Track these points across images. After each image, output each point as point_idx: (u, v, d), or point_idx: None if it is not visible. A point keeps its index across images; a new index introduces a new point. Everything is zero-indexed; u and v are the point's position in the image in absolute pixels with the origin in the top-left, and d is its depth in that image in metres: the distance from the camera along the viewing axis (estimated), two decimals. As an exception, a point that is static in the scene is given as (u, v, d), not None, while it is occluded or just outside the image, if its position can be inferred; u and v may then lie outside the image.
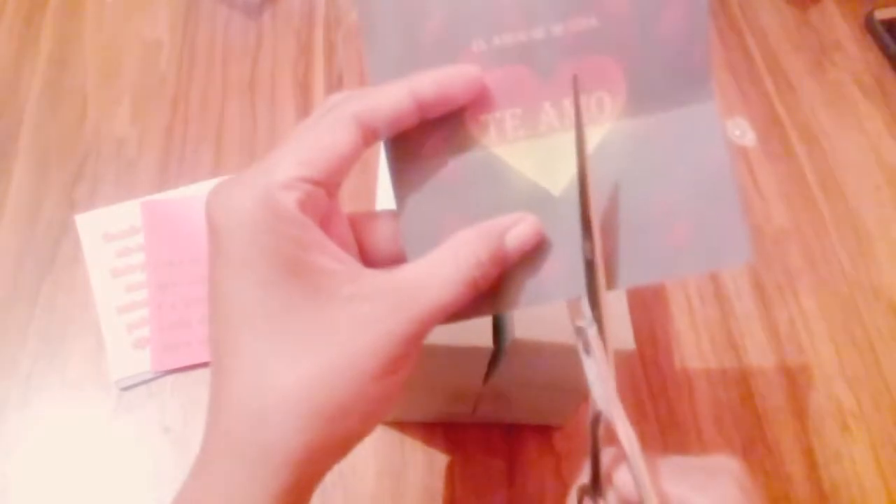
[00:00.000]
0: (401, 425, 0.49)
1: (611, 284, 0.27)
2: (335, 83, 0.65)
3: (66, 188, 0.57)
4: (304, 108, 0.63)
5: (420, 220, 0.27)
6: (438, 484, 0.48)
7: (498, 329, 0.37)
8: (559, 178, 0.27)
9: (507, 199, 0.27)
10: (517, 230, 0.26)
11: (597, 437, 0.28)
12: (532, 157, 0.27)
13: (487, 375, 0.40)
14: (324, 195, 0.25)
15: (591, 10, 0.26)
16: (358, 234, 0.28)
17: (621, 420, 0.26)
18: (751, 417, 0.52)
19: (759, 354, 0.55)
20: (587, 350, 0.27)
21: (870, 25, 0.73)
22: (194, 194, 0.57)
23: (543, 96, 0.26)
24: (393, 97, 0.25)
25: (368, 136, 0.25)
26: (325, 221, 0.26)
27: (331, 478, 0.47)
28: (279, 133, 0.62)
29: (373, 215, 0.29)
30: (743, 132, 0.66)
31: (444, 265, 0.25)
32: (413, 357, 0.26)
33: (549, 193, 0.27)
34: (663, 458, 0.29)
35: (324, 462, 0.25)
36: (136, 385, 0.50)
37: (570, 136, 0.26)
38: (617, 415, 0.26)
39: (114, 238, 0.55)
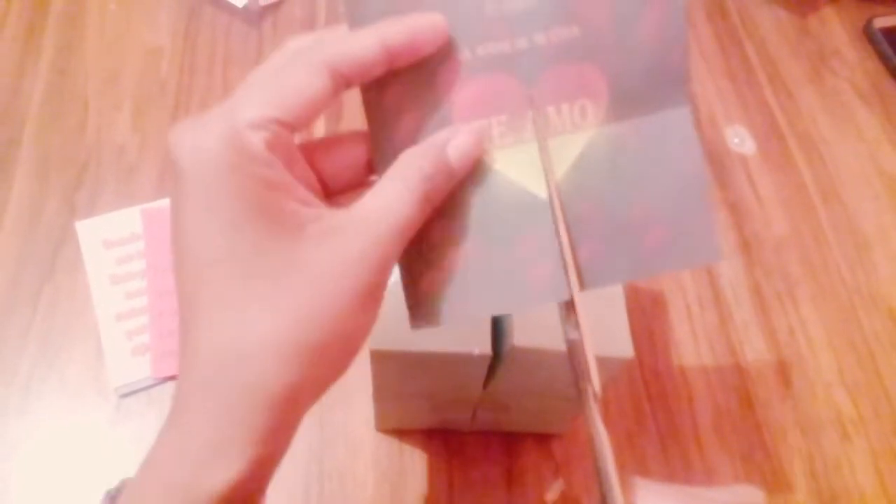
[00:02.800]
0: (400, 433, 0.49)
1: (591, 284, 0.27)
2: (335, 90, 0.65)
3: (67, 194, 0.57)
4: (305, 115, 0.63)
5: None
6: (437, 491, 0.48)
7: (497, 336, 0.37)
8: (543, 182, 0.27)
9: (493, 202, 0.27)
10: (458, 140, 0.27)
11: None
12: (518, 162, 0.27)
13: (486, 383, 0.40)
14: (290, 137, 0.25)
15: (573, 20, 0.26)
16: (313, 163, 0.28)
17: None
18: (750, 424, 0.52)
19: (758, 361, 0.55)
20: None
21: (869, 33, 0.73)
22: (194, 201, 0.57)
23: (528, 104, 0.27)
24: (363, 44, 0.25)
25: (339, 83, 0.25)
26: (289, 162, 0.25)
27: (330, 484, 0.47)
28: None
29: (326, 143, 0.29)
30: (742, 140, 0.66)
31: (393, 186, 0.25)
32: (383, 288, 0.25)
33: (536, 197, 0.27)
34: (679, 489, 0.29)
35: (304, 402, 0.24)
36: (135, 392, 0.50)
37: (555, 142, 0.27)
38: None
39: (114, 245, 0.55)
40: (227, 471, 0.23)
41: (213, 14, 0.68)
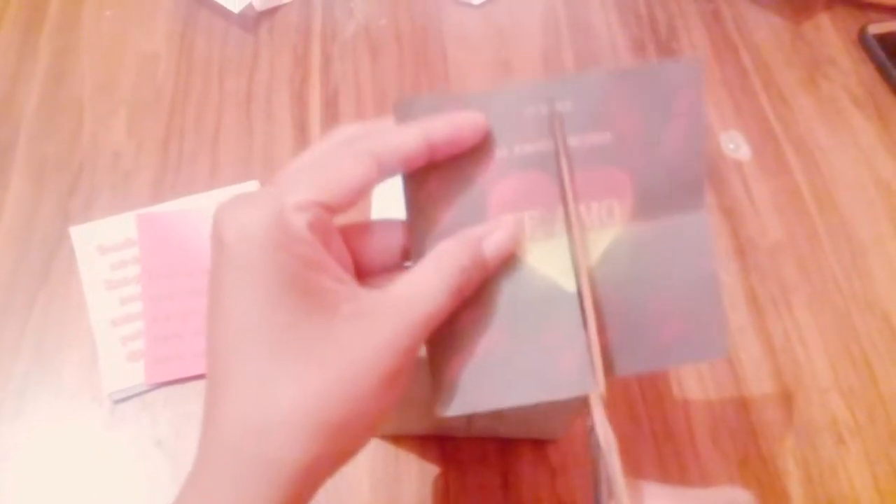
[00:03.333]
0: (395, 439, 0.49)
1: (609, 372, 0.29)
2: (331, 96, 0.65)
3: (62, 200, 0.57)
4: (301, 120, 0.63)
5: None
6: (433, 497, 0.48)
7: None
8: (573, 276, 0.29)
9: (522, 294, 0.29)
10: (495, 236, 0.28)
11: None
12: (548, 256, 0.29)
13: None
14: (330, 219, 0.26)
15: (606, 128, 0.29)
16: (351, 245, 0.29)
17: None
18: (746, 430, 0.52)
19: (753, 367, 0.55)
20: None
21: (863, 40, 0.74)
22: (190, 207, 0.57)
23: (559, 201, 0.29)
24: (407, 137, 0.27)
25: (382, 172, 0.27)
26: (327, 242, 0.27)
27: (324, 492, 0.47)
28: (275, 145, 0.62)
29: (364, 227, 0.30)
30: (737, 146, 0.66)
31: (428, 276, 0.27)
32: (409, 371, 0.27)
33: (564, 290, 0.29)
34: (664, 487, 0.29)
35: (322, 474, 0.25)
36: (129, 397, 0.49)
37: (583, 239, 0.30)
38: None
39: (109, 250, 0.55)
40: None
41: (209, 19, 0.68)
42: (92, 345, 0.51)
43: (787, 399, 0.54)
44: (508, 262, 0.29)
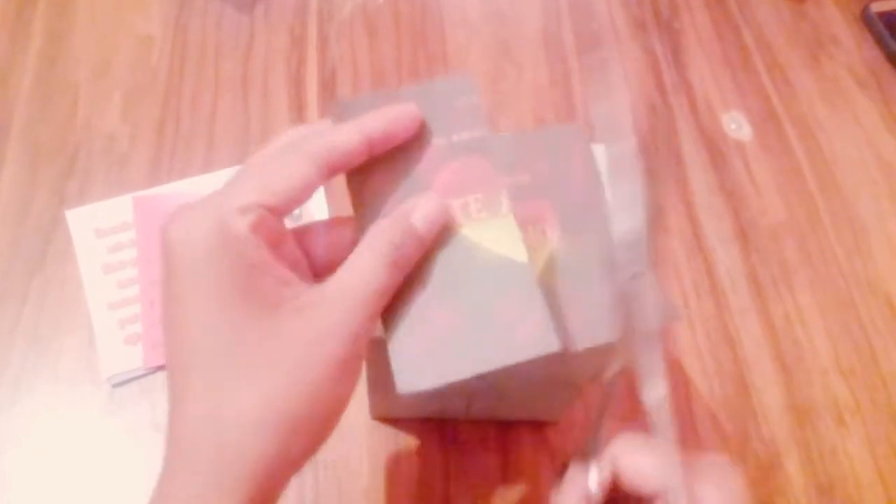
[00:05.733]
0: (395, 422, 0.49)
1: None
2: (328, 77, 0.64)
3: (57, 183, 0.57)
4: (298, 102, 0.63)
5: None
6: (433, 480, 0.48)
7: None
8: (522, 248, 0.30)
9: (474, 269, 0.30)
10: (422, 208, 0.29)
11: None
12: (497, 233, 0.30)
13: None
14: (276, 221, 0.27)
15: (525, 172, 0.35)
16: (305, 246, 0.30)
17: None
18: (746, 412, 0.52)
19: (754, 349, 0.54)
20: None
21: (866, 18, 0.73)
22: (186, 189, 0.56)
23: (500, 185, 0.31)
24: (346, 136, 0.28)
25: (324, 171, 0.28)
26: (275, 244, 0.27)
27: (325, 474, 0.47)
28: (272, 127, 0.61)
29: (317, 227, 0.31)
30: (739, 126, 0.66)
31: (363, 258, 0.27)
32: (360, 357, 0.27)
33: (515, 261, 0.30)
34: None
35: (284, 472, 0.25)
36: (127, 381, 0.49)
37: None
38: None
39: (105, 233, 0.54)
40: None
41: (204, 1, 0.68)
42: (89, 329, 0.51)
43: (787, 380, 0.53)
44: (458, 242, 0.30)
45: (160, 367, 0.50)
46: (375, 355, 0.39)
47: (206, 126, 0.61)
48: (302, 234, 0.31)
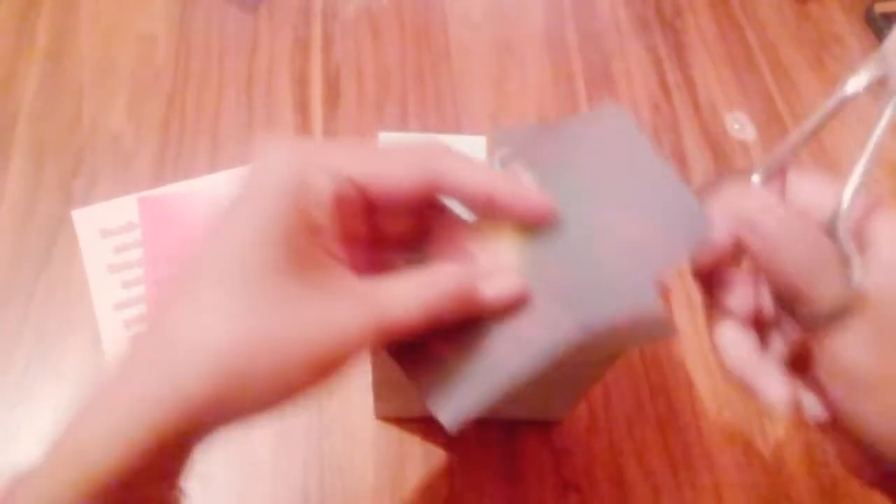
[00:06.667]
0: (399, 422, 0.49)
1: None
2: (333, 76, 0.64)
3: (63, 183, 0.57)
4: (302, 102, 0.63)
5: None
6: (437, 479, 0.48)
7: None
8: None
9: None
10: (497, 281, 0.28)
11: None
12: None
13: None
14: (359, 206, 0.26)
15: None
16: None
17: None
18: (751, 411, 0.52)
19: (758, 349, 0.54)
20: None
21: (870, 19, 0.73)
22: (191, 189, 0.57)
23: None
24: (471, 171, 0.27)
25: (435, 188, 0.27)
26: (345, 221, 0.26)
27: (330, 473, 0.47)
28: (276, 127, 0.61)
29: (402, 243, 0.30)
30: (742, 126, 0.66)
31: (417, 286, 0.26)
32: (349, 362, 0.26)
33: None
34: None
35: (209, 423, 0.24)
36: (133, 381, 0.49)
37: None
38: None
39: (111, 234, 0.54)
40: (105, 456, 0.22)
41: (208, 1, 0.68)
42: (94, 329, 0.51)
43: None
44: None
45: (165, 367, 0.50)
46: (381, 356, 0.39)
47: (211, 125, 0.61)
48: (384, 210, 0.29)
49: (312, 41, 0.67)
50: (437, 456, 0.48)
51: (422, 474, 0.48)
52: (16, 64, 0.62)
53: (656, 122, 0.65)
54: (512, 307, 0.28)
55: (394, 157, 0.27)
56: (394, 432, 0.49)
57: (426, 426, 0.49)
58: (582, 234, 0.28)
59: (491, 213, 0.28)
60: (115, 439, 0.22)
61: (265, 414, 0.24)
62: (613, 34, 0.70)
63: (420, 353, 0.28)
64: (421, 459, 0.48)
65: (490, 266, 0.29)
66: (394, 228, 0.30)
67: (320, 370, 0.24)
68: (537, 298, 0.28)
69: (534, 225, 0.28)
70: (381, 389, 0.45)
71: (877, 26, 0.72)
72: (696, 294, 0.56)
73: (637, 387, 0.52)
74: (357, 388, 0.50)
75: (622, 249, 0.28)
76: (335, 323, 0.24)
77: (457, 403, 0.27)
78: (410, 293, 0.26)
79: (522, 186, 0.28)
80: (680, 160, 0.63)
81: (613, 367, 0.50)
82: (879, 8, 0.72)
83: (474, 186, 0.27)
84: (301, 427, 0.48)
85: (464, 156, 0.28)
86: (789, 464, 0.50)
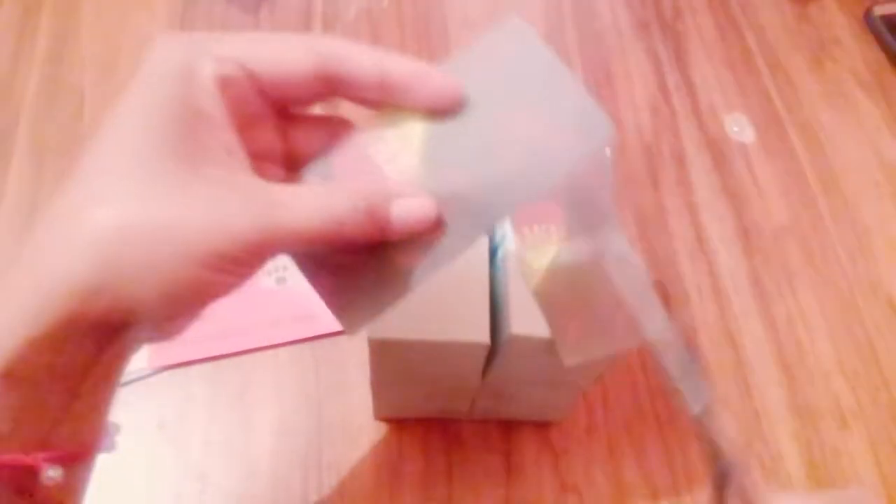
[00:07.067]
0: (398, 421, 0.49)
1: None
2: (333, 79, 0.65)
3: (63, 184, 0.57)
4: (302, 103, 0.63)
5: None
6: (436, 480, 0.48)
7: (495, 325, 0.37)
8: None
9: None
10: (407, 202, 0.26)
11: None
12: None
13: (485, 372, 0.40)
14: (251, 92, 0.26)
15: None
16: (294, 139, 0.29)
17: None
18: (749, 414, 0.52)
19: (757, 351, 0.55)
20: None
21: (869, 21, 0.73)
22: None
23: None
24: (361, 57, 0.26)
25: (322, 75, 0.26)
26: (242, 115, 0.26)
27: (328, 472, 0.47)
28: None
29: (316, 121, 0.30)
30: (742, 128, 0.66)
31: (320, 196, 0.25)
32: (246, 269, 0.24)
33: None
34: (793, 495, 0.29)
35: (98, 315, 0.23)
36: (132, 381, 0.50)
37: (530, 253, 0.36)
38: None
39: (110, 234, 0.54)
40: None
41: (209, 2, 0.68)
42: (95, 329, 0.51)
43: (789, 381, 0.54)
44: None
45: (165, 368, 0.50)
46: (381, 357, 0.39)
47: (211, 127, 0.61)
48: (298, 121, 0.29)
49: (313, 43, 0.67)
50: (435, 456, 0.48)
51: (421, 475, 0.48)
52: (17, 64, 0.62)
53: (655, 123, 0.65)
54: (419, 229, 0.27)
55: (284, 41, 0.26)
56: (393, 433, 0.49)
57: (424, 426, 0.49)
58: (483, 135, 0.28)
59: (390, 96, 0.27)
60: (1, 325, 0.22)
61: (163, 317, 0.24)
62: (613, 36, 0.70)
63: (322, 258, 0.28)
64: (419, 460, 0.48)
65: (396, 177, 0.28)
66: (307, 146, 0.29)
67: (206, 264, 0.23)
68: (440, 201, 0.27)
69: (438, 108, 0.27)
70: (381, 389, 0.45)
71: (876, 28, 0.72)
72: (693, 295, 0.56)
73: (636, 387, 0.52)
74: (356, 390, 0.50)
75: (524, 149, 0.28)
76: (221, 215, 0.23)
77: (359, 310, 0.28)
78: (313, 203, 0.25)
79: (422, 65, 0.27)
80: (679, 161, 0.63)
81: (612, 367, 0.50)
82: (879, 10, 0.73)
83: (370, 64, 0.26)
84: (300, 427, 0.48)
85: (352, 43, 0.27)
86: (786, 463, 0.50)
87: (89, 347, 0.24)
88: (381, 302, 0.28)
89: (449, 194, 0.27)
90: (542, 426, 0.50)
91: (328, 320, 0.52)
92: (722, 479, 0.28)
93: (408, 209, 0.26)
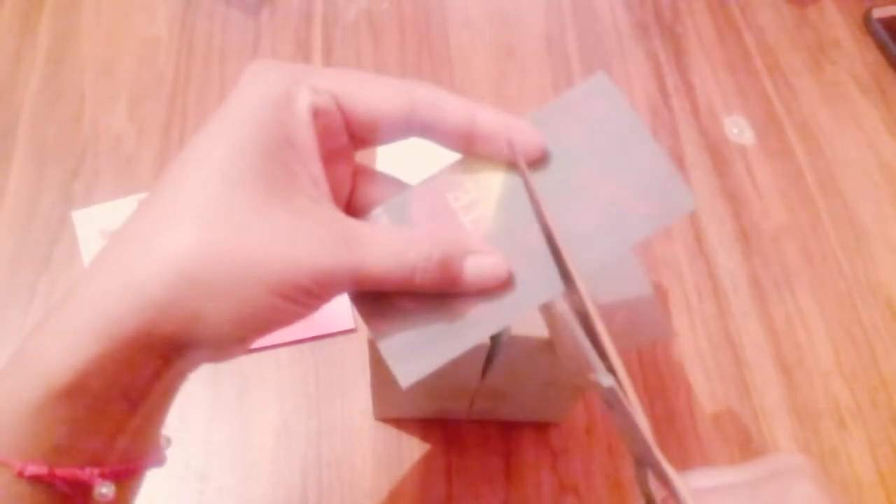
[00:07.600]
0: (397, 422, 0.49)
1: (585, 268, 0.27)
2: (333, 80, 0.65)
3: (64, 184, 0.57)
4: (302, 105, 0.63)
5: None
6: (435, 480, 0.48)
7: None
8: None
9: None
10: (481, 259, 0.26)
11: (648, 488, 0.28)
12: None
13: (484, 372, 0.40)
14: (341, 126, 0.26)
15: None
16: (356, 184, 0.29)
17: (669, 469, 0.26)
18: (748, 415, 0.52)
19: (756, 351, 0.55)
20: (610, 404, 0.27)
21: (868, 24, 0.73)
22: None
23: None
24: (456, 106, 0.26)
25: (415, 119, 0.26)
26: (329, 148, 0.26)
27: (328, 473, 0.47)
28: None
29: (373, 174, 0.29)
30: (741, 130, 0.66)
31: (397, 241, 0.25)
32: (316, 301, 0.25)
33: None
34: (724, 471, 0.29)
35: (169, 332, 0.23)
36: (132, 381, 0.50)
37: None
38: (663, 464, 0.26)
39: (111, 235, 0.54)
40: (60, 354, 0.22)
41: (209, 3, 0.68)
42: (95, 329, 0.51)
43: (788, 382, 0.54)
44: None
45: (165, 367, 0.50)
46: (379, 357, 0.39)
47: (212, 128, 0.61)
48: (359, 170, 0.29)
49: (313, 45, 0.67)
50: (435, 457, 0.49)
51: (420, 475, 0.48)
52: (17, 65, 0.62)
53: (655, 125, 0.65)
54: (489, 287, 0.26)
55: (378, 80, 0.26)
56: (392, 433, 0.49)
57: (424, 427, 0.49)
58: (562, 192, 0.28)
59: (476, 144, 0.27)
60: (71, 338, 0.22)
61: (231, 340, 0.23)
62: (613, 38, 0.71)
63: (381, 298, 0.27)
64: (419, 460, 0.48)
65: (471, 227, 0.27)
66: (369, 193, 0.29)
67: (282, 293, 0.23)
68: (512, 255, 0.27)
69: (522, 155, 0.27)
70: (381, 390, 0.45)
71: (875, 31, 0.72)
72: (693, 296, 0.56)
73: (635, 388, 0.52)
74: (356, 390, 0.50)
75: (603, 211, 0.27)
76: (303, 247, 0.23)
77: (416, 359, 0.27)
78: (390, 247, 0.25)
79: (511, 117, 0.27)
80: (679, 163, 0.63)
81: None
82: (877, 13, 0.73)
83: (462, 113, 0.26)
84: (300, 427, 0.49)
85: (446, 93, 0.27)
86: (786, 465, 0.50)
87: (155, 364, 0.23)
88: (441, 353, 0.27)
89: (523, 250, 0.27)
90: (542, 426, 0.50)
91: (328, 320, 0.52)
92: (640, 458, 0.27)
93: (481, 267, 0.26)
